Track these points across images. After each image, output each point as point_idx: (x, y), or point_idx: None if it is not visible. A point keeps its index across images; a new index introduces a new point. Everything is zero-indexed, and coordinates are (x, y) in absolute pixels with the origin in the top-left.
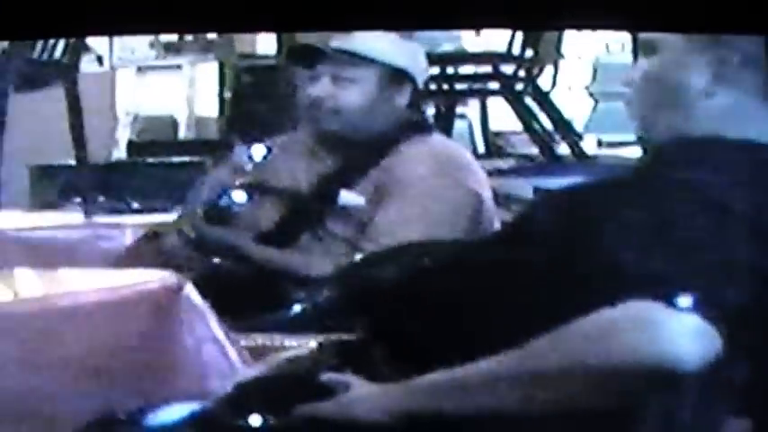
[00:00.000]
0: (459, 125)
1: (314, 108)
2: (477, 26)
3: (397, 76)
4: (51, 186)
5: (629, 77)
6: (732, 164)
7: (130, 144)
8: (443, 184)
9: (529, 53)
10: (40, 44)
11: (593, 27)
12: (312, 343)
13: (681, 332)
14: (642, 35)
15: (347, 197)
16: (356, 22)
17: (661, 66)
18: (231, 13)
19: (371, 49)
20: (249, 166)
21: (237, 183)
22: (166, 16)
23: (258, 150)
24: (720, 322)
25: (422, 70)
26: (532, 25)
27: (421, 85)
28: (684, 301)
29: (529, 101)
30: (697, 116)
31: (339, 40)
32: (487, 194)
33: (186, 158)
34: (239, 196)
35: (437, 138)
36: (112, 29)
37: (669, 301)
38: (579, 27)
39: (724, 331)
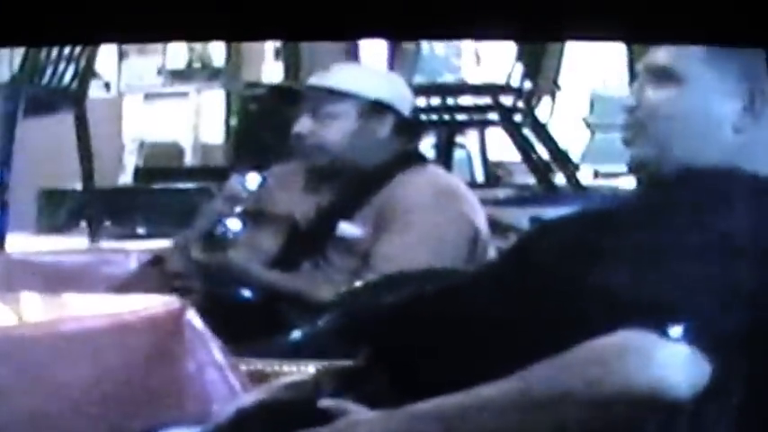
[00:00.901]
0: (457, 154)
1: (299, 144)
2: (478, 37)
3: (378, 107)
4: (58, 211)
5: (631, 104)
6: (739, 196)
7: (137, 170)
8: (440, 214)
9: (528, 85)
10: (49, 71)
11: (594, 39)
12: (311, 369)
13: (670, 361)
14: (662, 64)
15: (345, 228)
16: (359, 31)
17: (685, 96)
18: (238, 23)
19: (347, 84)
20: (244, 195)
21: (235, 211)
22: (171, 26)
23: (252, 179)
24: (712, 351)
25: (403, 99)
26: (534, 36)
27: (406, 114)
28: (675, 329)
29: (527, 131)
30: (719, 150)
31: (316, 78)
32: (482, 223)
33: (191, 185)
34: (234, 224)
35: (432, 168)
36: (121, 36)
37: (660, 330)
38: (579, 38)
39: (715, 359)
